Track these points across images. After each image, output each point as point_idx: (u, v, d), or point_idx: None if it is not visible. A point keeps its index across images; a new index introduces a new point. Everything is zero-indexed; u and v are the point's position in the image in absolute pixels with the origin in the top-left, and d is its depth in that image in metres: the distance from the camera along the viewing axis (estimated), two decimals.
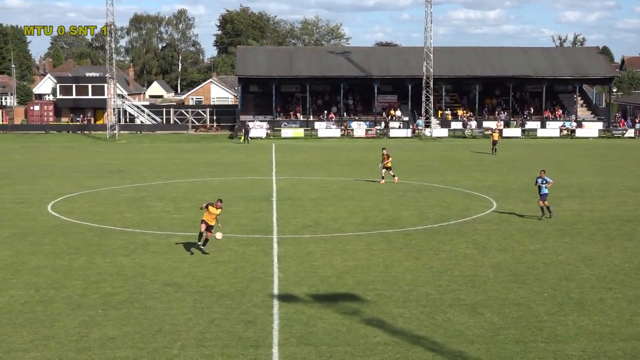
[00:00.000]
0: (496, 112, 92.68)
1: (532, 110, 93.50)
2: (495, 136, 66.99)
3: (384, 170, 44.87)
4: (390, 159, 44.94)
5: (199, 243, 26.96)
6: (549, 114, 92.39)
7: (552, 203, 38.31)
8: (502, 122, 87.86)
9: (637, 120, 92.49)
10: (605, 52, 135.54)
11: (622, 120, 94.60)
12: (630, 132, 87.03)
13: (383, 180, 44.82)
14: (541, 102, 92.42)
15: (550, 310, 20.80)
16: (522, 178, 47.92)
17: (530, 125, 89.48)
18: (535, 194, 40.98)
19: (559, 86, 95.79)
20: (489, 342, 18.39)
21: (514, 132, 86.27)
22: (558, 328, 19.40)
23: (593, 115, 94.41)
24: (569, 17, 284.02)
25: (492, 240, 29.73)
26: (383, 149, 46.24)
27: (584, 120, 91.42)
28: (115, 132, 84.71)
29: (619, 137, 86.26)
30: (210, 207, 26.55)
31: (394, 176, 44.78)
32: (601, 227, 32.28)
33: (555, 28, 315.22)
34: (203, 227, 26.51)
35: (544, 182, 33.60)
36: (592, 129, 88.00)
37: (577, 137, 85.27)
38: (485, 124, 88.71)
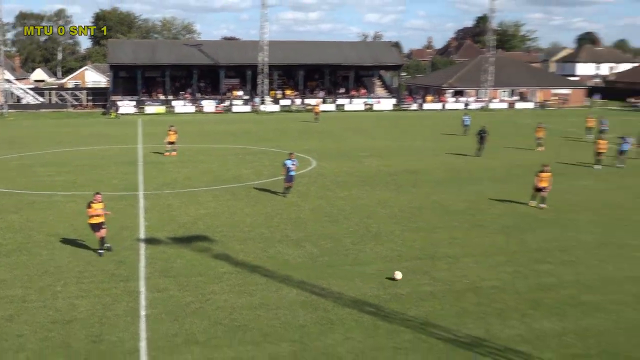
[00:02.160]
0: (315, 92, 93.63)
1: (343, 90, 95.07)
2: (317, 109, 70.52)
3: (168, 145, 41.36)
4: (176, 135, 41.44)
5: (103, 247, 20.21)
6: (356, 92, 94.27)
7: (357, 162, 39.48)
8: (320, 100, 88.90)
9: (418, 97, 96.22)
10: (397, 45, 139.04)
11: (409, 97, 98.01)
12: (414, 106, 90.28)
13: (173, 153, 41.05)
14: (349, 84, 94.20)
15: (354, 241, 21.54)
16: (334, 143, 48.88)
17: (341, 101, 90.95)
18: (349, 155, 42.15)
19: (363, 72, 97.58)
20: (309, 268, 18.87)
21: (329, 107, 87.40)
22: (360, 254, 20.14)
23: (388, 94, 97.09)
24: (371, 18, 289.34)
25: (311, 190, 30.29)
26: (171, 126, 42.57)
27: (381, 97, 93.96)
28: (4, 110, 79.24)
29: (406, 109, 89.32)
30: (92, 205, 19.86)
31: (173, 150, 41.23)
32: (394, 178, 33.56)
33: (360, 26, 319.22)
34: (102, 231, 20.06)
35: (294, 163, 28.27)
36: (387, 104, 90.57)
37: (376, 110, 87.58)
38: (307, 100, 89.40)
